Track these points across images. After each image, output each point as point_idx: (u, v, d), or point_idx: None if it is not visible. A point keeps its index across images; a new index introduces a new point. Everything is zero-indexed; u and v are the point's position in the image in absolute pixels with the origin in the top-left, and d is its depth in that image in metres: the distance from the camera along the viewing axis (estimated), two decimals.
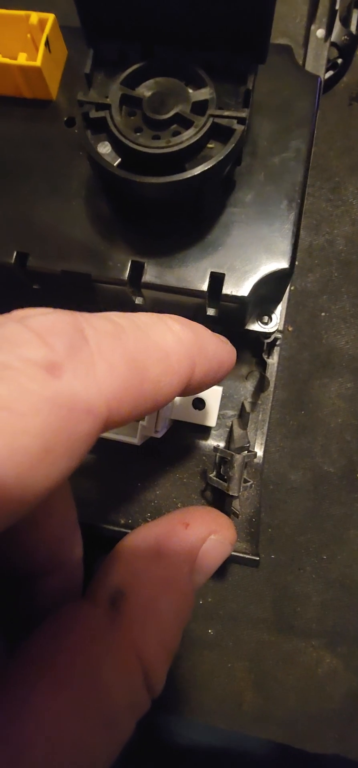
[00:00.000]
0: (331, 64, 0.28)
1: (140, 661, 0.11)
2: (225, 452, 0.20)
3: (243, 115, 0.15)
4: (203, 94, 0.16)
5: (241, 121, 0.15)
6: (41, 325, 0.09)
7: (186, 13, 0.14)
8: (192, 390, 0.13)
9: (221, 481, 0.19)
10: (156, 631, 0.11)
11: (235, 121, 0.15)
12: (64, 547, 0.13)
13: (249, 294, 0.18)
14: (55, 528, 0.12)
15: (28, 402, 0.08)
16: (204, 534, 0.13)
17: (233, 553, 0.19)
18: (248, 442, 0.20)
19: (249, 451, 0.20)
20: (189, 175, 0.15)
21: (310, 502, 0.26)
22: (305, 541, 0.26)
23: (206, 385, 0.13)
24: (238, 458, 0.18)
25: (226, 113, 0.15)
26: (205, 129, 0.15)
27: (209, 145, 0.16)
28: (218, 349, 0.13)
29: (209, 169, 0.15)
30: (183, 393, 0.12)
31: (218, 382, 0.14)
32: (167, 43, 0.15)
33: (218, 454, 0.20)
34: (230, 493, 0.18)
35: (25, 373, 0.08)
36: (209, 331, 0.13)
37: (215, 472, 0.21)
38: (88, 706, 0.10)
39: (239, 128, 0.15)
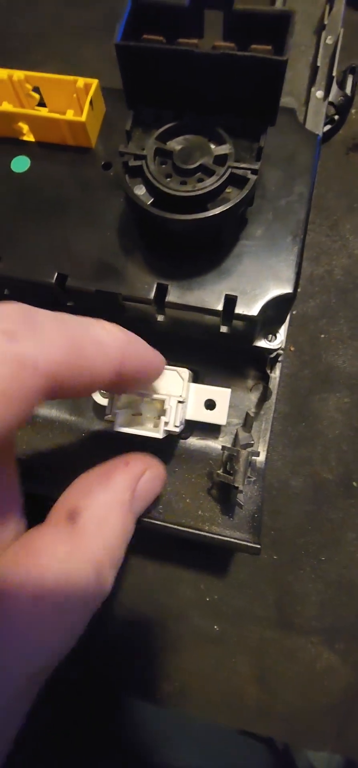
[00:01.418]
0: (329, 120, 0.32)
1: (93, 563, 0.14)
2: (231, 449, 0.22)
3: (256, 167, 0.19)
4: (224, 149, 0.19)
5: (254, 171, 0.19)
6: (2, 309, 0.12)
7: (212, 90, 0.18)
8: (127, 379, 0.15)
9: (227, 476, 0.22)
10: (105, 541, 0.14)
11: (249, 172, 0.19)
12: None
13: (258, 314, 0.21)
14: None
15: None
16: (141, 469, 0.16)
17: (239, 542, 0.22)
18: (253, 440, 0.22)
19: (253, 450, 0.22)
20: (211, 214, 0.18)
21: (309, 507, 0.28)
22: (305, 543, 0.28)
23: (139, 378, 0.16)
24: (243, 453, 0.21)
25: (242, 165, 0.19)
26: (224, 177, 0.18)
27: (228, 190, 0.19)
28: (147, 351, 0.16)
29: (227, 209, 0.18)
30: (119, 382, 0.15)
31: (150, 379, 0.18)
32: (195, 109, 0.19)
33: (225, 452, 0.23)
34: (236, 485, 0.21)
35: None
36: (142, 339, 0.16)
37: (221, 470, 0.23)
38: (52, 597, 0.12)
39: (253, 177, 0.19)
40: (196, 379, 0.27)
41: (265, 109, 0.18)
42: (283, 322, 0.24)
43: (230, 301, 0.21)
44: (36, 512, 0.21)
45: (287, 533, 0.28)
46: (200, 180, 0.19)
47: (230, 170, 0.18)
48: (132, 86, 0.18)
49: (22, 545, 0.13)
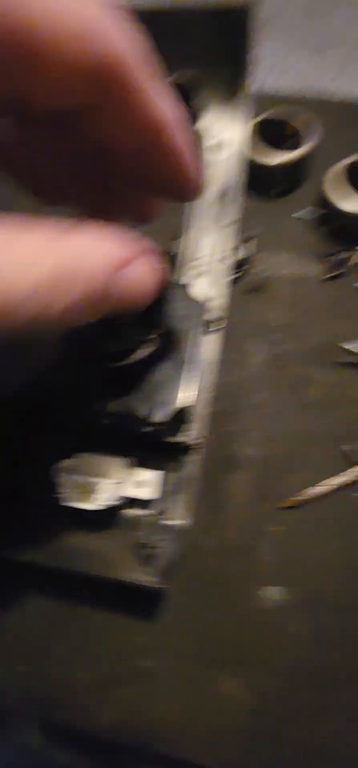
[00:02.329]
0: (235, 271, 0.44)
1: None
2: (151, 516, 0.31)
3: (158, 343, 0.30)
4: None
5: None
6: None
7: None
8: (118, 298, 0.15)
9: (145, 536, 0.31)
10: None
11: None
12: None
13: (167, 421, 0.31)
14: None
15: None
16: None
17: (149, 585, 0.30)
18: (164, 509, 0.31)
19: (165, 516, 0.31)
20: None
21: (219, 562, 0.36)
22: (216, 592, 0.36)
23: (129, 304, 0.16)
24: (156, 519, 0.30)
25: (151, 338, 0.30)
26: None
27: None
28: (146, 277, 0.15)
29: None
30: (106, 299, 0.15)
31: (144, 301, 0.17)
32: None
33: (148, 518, 0.32)
34: (149, 544, 0.29)
35: None
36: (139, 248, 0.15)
37: (143, 532, 0.32)
38: None
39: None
40: (135, 463, 0.36)
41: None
42: (190, 422, 0.34)
43: (148, 413, 0.31)
44: None
45: (203, 583, 0.36)
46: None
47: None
48: None
49: None
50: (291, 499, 0.38)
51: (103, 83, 0.12)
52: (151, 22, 0.19)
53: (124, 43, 0.12)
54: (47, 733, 0.36)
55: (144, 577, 0.31)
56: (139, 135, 0.14)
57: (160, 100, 0.14)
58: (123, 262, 0.15)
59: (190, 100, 0.37)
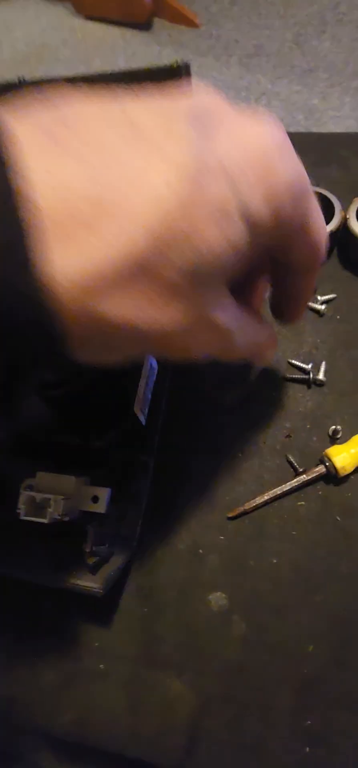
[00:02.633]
0: None
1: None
2: (96, 529, 0.35)
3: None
4: None
5: None
6: None
7: None
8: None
9: (87, 545, 0.34)
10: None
11: None
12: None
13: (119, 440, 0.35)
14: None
15: None
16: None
17: (97, 591, 0.33)
18: (113, 524, 0.35)
19: (113, 529, 0.35)
20: None
21: (169, 570, 0.39)
22: (166, 598, 0.38)
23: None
24: (93, 530, 0.33)
25: None
26: None
27: None
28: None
29: None
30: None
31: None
32: None
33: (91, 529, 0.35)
34: (87, 550, 0.33)
35: None
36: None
37: (93, 544, 0.35)
38: None
39: None
40: (88, 482, 0.40)
41: None
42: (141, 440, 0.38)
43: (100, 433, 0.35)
44: None
45: (153, 591, 0.39)
46: None
47: None
48: None
49: None
50: (239, 508, 0.40)
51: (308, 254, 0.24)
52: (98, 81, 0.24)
53: (323, 239, 0.24)
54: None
55: (91, 583, 0.34)
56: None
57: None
58: (272, 345, 0.29)
59: None
